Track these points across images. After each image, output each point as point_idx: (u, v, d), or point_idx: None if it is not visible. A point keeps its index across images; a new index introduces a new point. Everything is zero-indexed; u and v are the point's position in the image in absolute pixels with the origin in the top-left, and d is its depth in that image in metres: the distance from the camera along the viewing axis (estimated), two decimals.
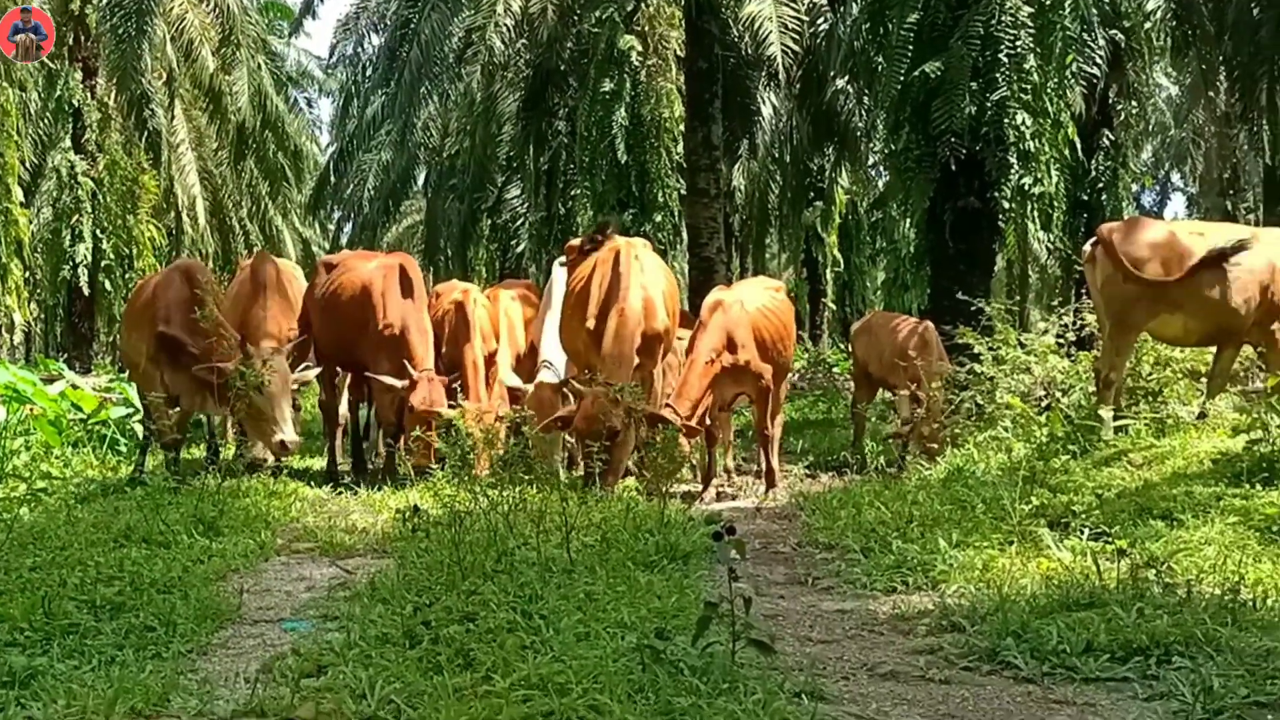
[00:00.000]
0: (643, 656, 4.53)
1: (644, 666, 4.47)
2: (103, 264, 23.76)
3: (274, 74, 27.91)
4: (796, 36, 20.79)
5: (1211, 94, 26.50)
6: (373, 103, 24.84)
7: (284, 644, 5.33)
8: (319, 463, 12.93)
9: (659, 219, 21.86)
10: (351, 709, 4.24)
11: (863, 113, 22.68)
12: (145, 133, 23.86)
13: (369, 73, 26.58)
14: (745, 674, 4.46)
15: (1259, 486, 7.75)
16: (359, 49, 27.58)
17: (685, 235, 21.35)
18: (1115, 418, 10.29)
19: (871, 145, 24.22)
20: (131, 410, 13.78)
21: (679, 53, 21.73)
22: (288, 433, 10.10)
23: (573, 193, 24.18)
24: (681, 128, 21.43)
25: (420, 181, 31.05)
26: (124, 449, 12.98)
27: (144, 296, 11.50)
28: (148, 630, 5.34)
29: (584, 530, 7.32)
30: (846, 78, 21.84)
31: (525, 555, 6.48)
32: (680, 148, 21.54)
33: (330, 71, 36.67)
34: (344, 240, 29.44)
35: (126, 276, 24.05)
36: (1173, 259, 10.52)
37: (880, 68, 16.94)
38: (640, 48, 21.92)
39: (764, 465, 11.27)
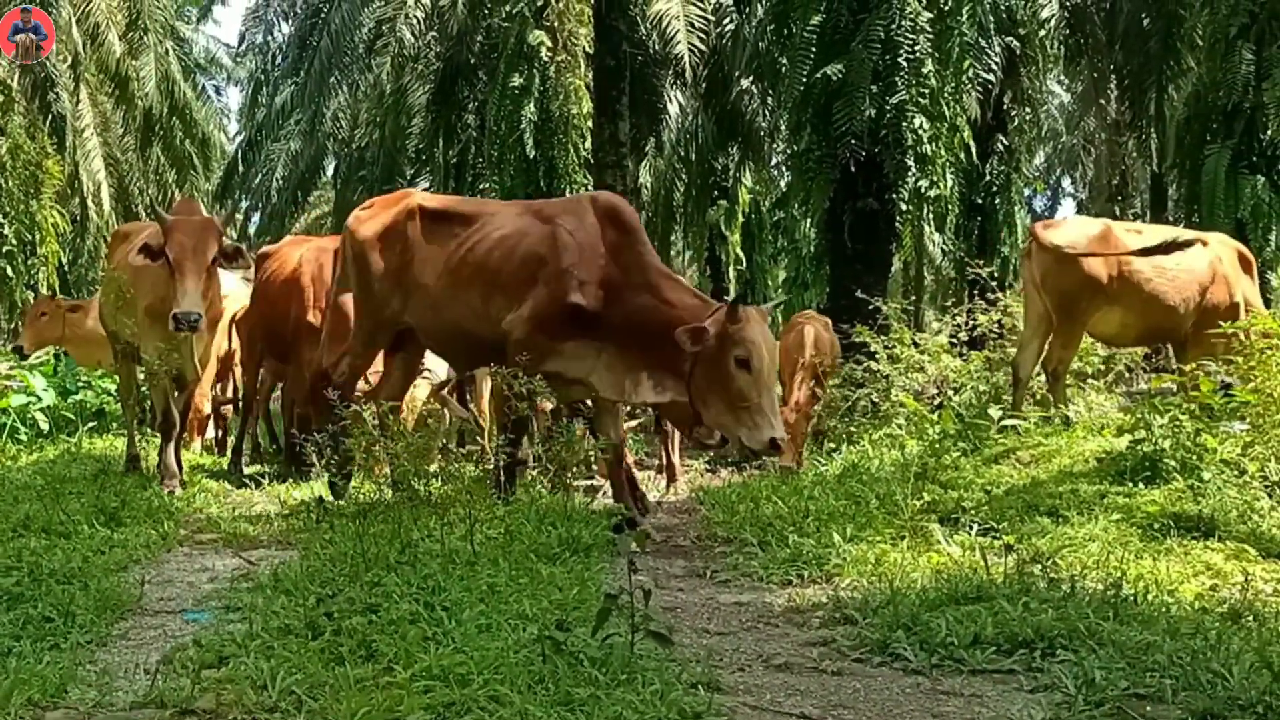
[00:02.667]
0: (543, 648, 4.53)
1: (544, 657, 4.46)
2: (4, 249, 23.14)
3: (182, 60, 27.48)
4: (703, 36, 20.89)
5: (1102, 102, 27.09)
6: (282, 92, 24.56)
7: (185, 635, 5.25)
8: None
9: None
10: (252, 700, 4.20)
11: (766, 113, 22.87)
12: (49, 116, 23.31)
13: (278, 62, 26.29)
14: (644, 665, 4.46)
15: (1141, 485, 7.93)
16: (268, 37, 27.29)
17: None
18: (1010, 415, 10.45)
19: (775, 145, 24.46)
20: (32, 399, 13.51)
21: (588, 49, 21.69)
22: (777, 425, 7.62)
23: (481, 186, 24.02)
24: (590, 124, 21.39)
25: (329, 172, 30.69)
26: (24, 437, 12.72)
27: (521, 251, 8.36)
28: (46, 621, 5.23)
29: (488, 523, 7.29)
30: (751, 78, 22.01)
31: (429, 547, 6.45)
32: (588, 144, 21.51)
33: (239, 60, 36.12)
34: (252, 230, 29.06)
35: (29, 262, 23.50)
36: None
37: (784, 69, 17.10)
38: (549, 43, 21.85)
39: (665, 460, 11.30)
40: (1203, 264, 10.85)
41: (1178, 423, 8.37)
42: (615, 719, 3.91)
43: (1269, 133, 19.05)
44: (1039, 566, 5.91)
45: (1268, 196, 18.76)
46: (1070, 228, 11.17)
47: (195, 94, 29.95)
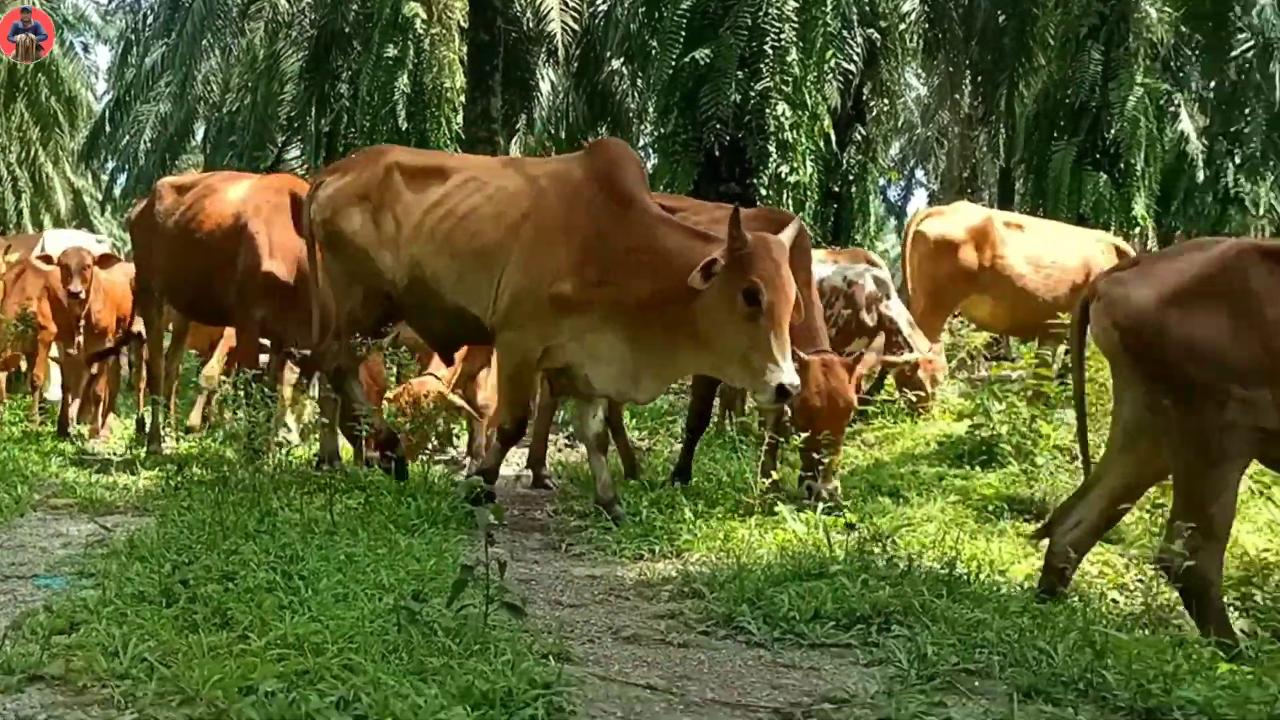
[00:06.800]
0: (399, 618, 4.51)
1: (399, 627, 4.45)
2: None
3: (49, 16, 26.55)
4: (576, 15, 20.89)
5: (956, 96, 27.57)
6: (152, 53, 23.94)
7: (36, 600, 5.13)
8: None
9: None
10: (103, 667, 4.11)
11: (636, 95, 22.91)
12: None
13: (149, 21, 25.59)
14: (497, 636, 4.47)
15: (978, 468, 8.17)
16: None
17: None
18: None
19: (643, 127, 24.47)
20: None
21: (462, 23, 21.52)
22: None
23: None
24: (462, 98, 21.23)
25: (199, 136, 29.98)
26: None
27: None
28: None
29: (348, 493, 7.25)
30: (622, 59, 22.05)
31: (288, 516, 6.38)
32: (460, 118, 21.34)
33: (109, 18, 35.12)
34: (118, 192, 28.25)
35: None
36: (986, 244, 11.05)
37: (654, 51, 17.20)
38: (424, 15, 21.59)
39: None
40: (1076, 261, 11.19)
41: (1015, 409, 8.62)
42: (467, 688, 3.90)
43: (1112, 131, 19.63)
44: (879, 545, 6.02)
45: (1109, 193, 19.35)
46: (953, 216, 11.49)
47: (63, 51, 28.99)
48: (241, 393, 7.79)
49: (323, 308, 8.44)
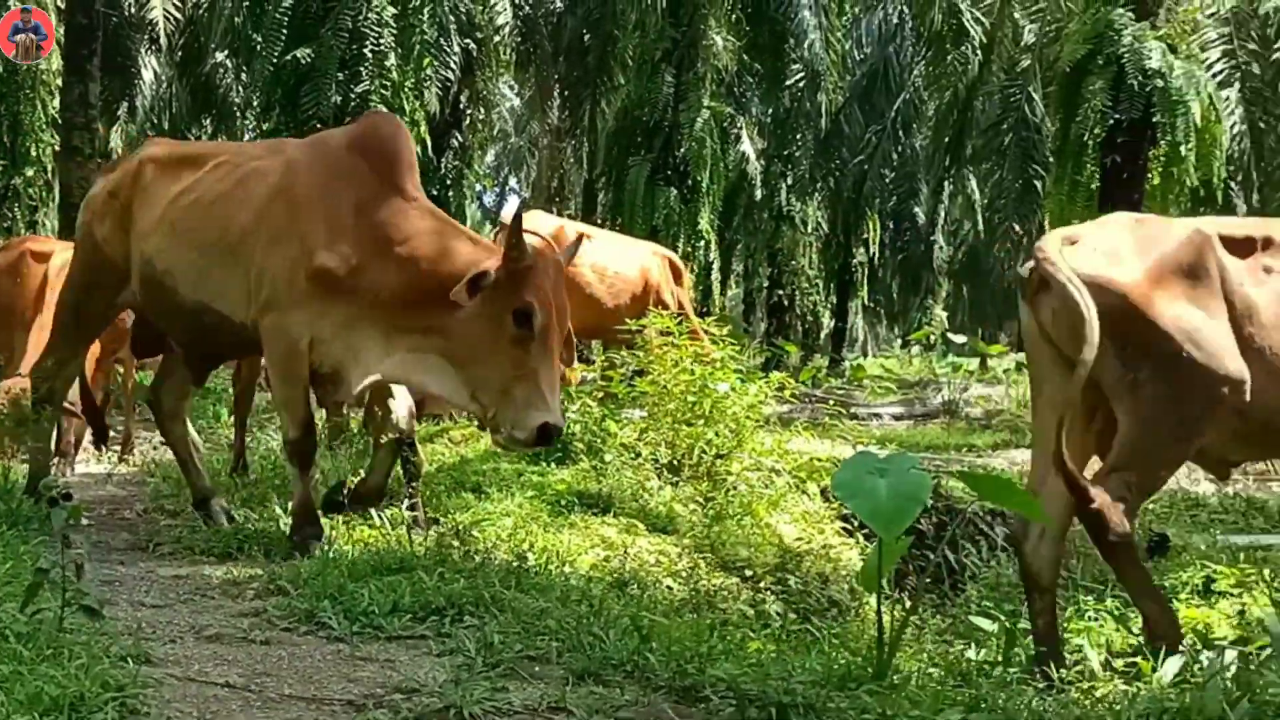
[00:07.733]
0: None
1: None
2: None
3: None
4: (179, 4, 20.13)
5: (547, 108, 28.21)
6: None
7: None
8: None
9: (31, 174, 20.17)
10: None
11: (240, 89, 22.28)
12: None
13: None
14: (72, 640, 4.31)
15: (553, 465, 8.42)
16: None
17: (58, 193, 19.88)
18: None
19: (247, 122, 23.82)
20: None
21: (59, 4, 20.23)
22: None
23: None
24: (59, 82, 19.93)
25: None
26: None
27: None
28: None
29: None
30: (226, 52, 21.40)
31: None
32: (57, 102, 20.03)
33: None
34: None
35: None
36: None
37: (258, 47, 16.86)
38: None
39: (126, 430, 10.80)
40: (634, 271, 11.77)
41: (588, 409, 8.97)
42: (35, 694, 3.75)
43: (682, 150, 20.64)
44: (458, 539, 6.16)
45: (678, 207, 20.36)
46: (533, 224, 11.83)
47: None
48: None
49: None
